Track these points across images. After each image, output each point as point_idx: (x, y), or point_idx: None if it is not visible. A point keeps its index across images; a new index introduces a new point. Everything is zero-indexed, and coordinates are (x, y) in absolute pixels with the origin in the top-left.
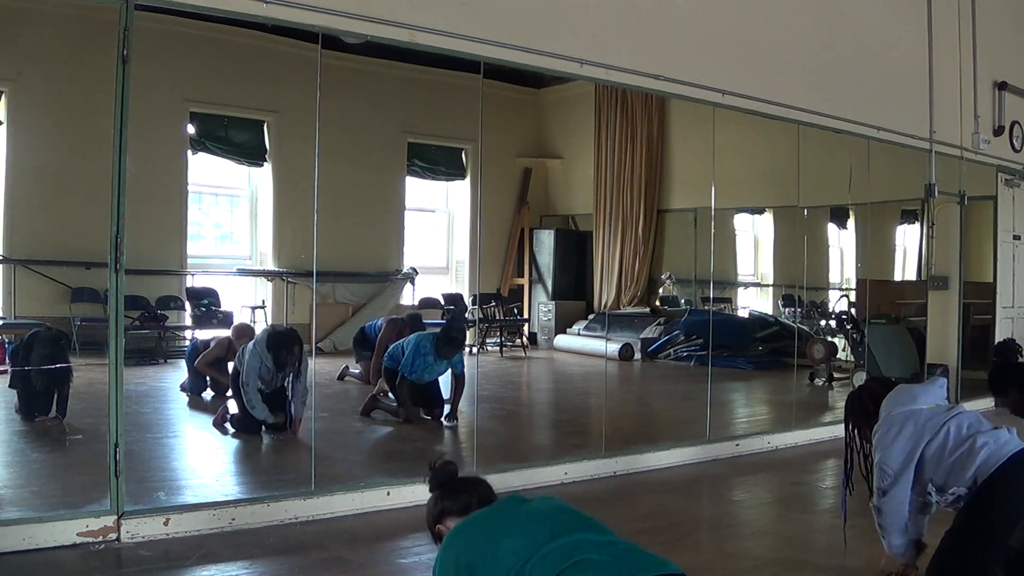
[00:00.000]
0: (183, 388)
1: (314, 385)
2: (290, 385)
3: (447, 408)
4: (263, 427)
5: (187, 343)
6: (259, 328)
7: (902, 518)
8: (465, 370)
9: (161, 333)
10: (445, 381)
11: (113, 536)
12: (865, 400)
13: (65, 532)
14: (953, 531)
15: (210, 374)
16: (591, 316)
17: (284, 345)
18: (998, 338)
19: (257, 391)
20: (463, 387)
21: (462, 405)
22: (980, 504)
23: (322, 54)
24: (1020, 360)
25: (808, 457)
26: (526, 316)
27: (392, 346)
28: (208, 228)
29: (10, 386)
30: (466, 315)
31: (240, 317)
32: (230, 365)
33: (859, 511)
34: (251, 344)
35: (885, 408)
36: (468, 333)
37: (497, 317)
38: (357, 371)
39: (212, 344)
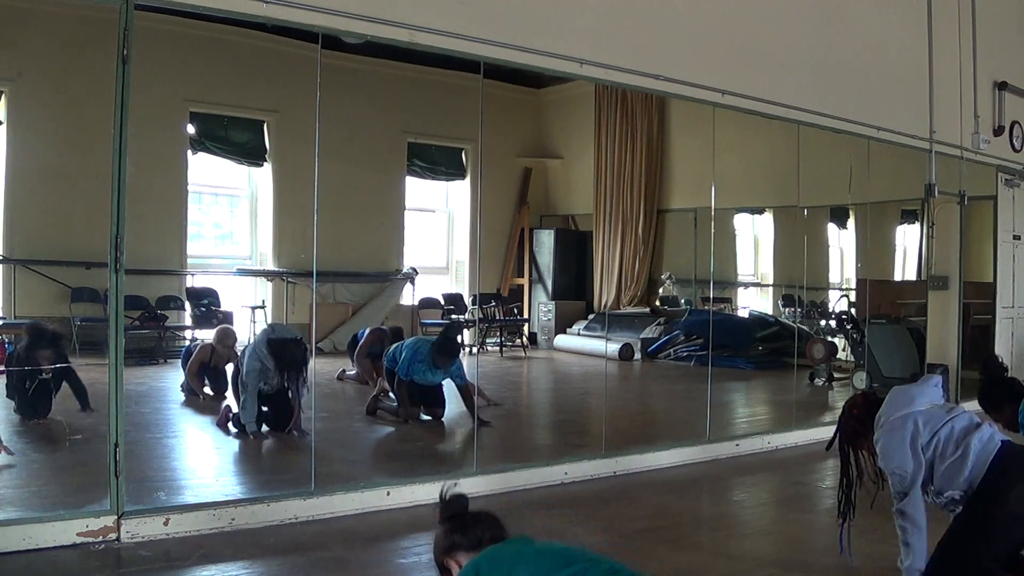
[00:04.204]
0: (184, 388)
1: (314, 385)
2: (289, 387)
3: (441, 412)
4: (263, 426)
5: (187, 343)
6: (248, 325)
7: (924, 519)
8: (466, 377)
9: (161, 333)
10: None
11: (113, 536)
12: (853, 416)
13: (65, 532)
14: (952, 531)
15: (193, 384)
16: (591, 316)
17: (285, 348)
18: (998, 338)
19: (255, 394)
20: (470, 396)
21: (459, 406)
22: (976, 504)
23: (322, 54)
24: (1007, 375)
25: (808, 457)
26: (526, 316)
27: (392, 347)
28: (208, 228)
29: (8, 396)
30: (465, 316)
31: (240, 317)
32: (228, 367)
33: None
34: (250, 346)
35: (885, 413)
36: (467, 334)
37: (497, 317)
38: (353, 372)
39: (196, 351)
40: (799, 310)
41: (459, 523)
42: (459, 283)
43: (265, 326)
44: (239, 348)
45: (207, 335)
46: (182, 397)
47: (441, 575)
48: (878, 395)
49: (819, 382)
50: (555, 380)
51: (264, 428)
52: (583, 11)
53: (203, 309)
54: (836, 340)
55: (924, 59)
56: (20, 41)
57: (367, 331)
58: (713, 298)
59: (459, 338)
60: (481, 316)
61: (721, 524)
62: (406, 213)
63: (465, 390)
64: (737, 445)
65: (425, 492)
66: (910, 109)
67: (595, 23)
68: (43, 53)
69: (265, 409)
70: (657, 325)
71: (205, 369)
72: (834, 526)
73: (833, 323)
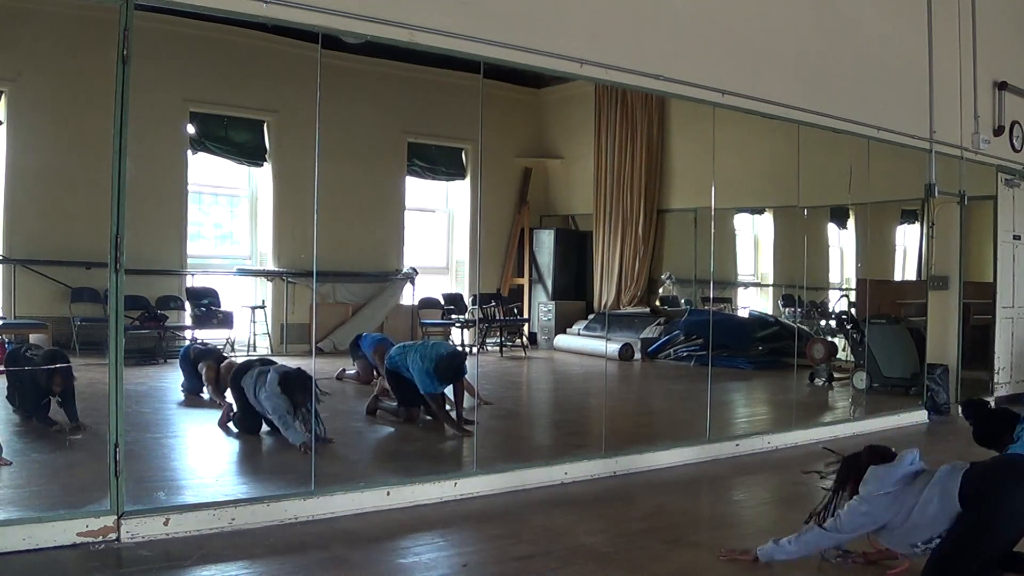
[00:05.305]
0: (183, 388)
1: (315, 385)
2: (305, 423)
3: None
4: (262, 427)
5: (187, 343)
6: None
7: (807, 552)
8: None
9: (161, 333)
10: None
11: (113, 536)
12: (856, 461)
13: (65, 532)
14: (947, 539)
15: (216, 396)
16: (591, 316)
17: (298, 387)
18: (998, 338)
19: (288, 414)
20: (464, 389)
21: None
22: (964, 514)
23: (322, 54)
24: (991, 408)
25: (808, 457)
26: (526, 316)
27: (394, 349)
28: (208, 228)
29: (7, 398)
30: (465, 316)
31: (240, 317)
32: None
33: None
34: (264, 387)
35: (865, 482)
36: (467, 334)
37: (497, 317)
38: (353, 371)
39: (206, 369)
40: (799, 310)
41: None
42: (459, 283)
43: (272, 370)
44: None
45: (207, 335)
46: (182, 397)
47: None
48: (884, 449)
49: (819, 382)
50: (555, 380)
51: (265, 428)
52: (583, 11)
53: (203, 309)
54: (836, 340)
55: (924, 59)
56: (20, 41)
57: (375, 345)
58: (713, 298)
59: (466, 360)
60: (481, 316)
61: (721, 524)
62: (406, 213)
63: (460, 388)
64: (737, 445)
65: (425, 492)
66: (910, 109)
67: (595, 23)
68: (43, 53)
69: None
70: (657, 325)
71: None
72: None
73: (833, 323)
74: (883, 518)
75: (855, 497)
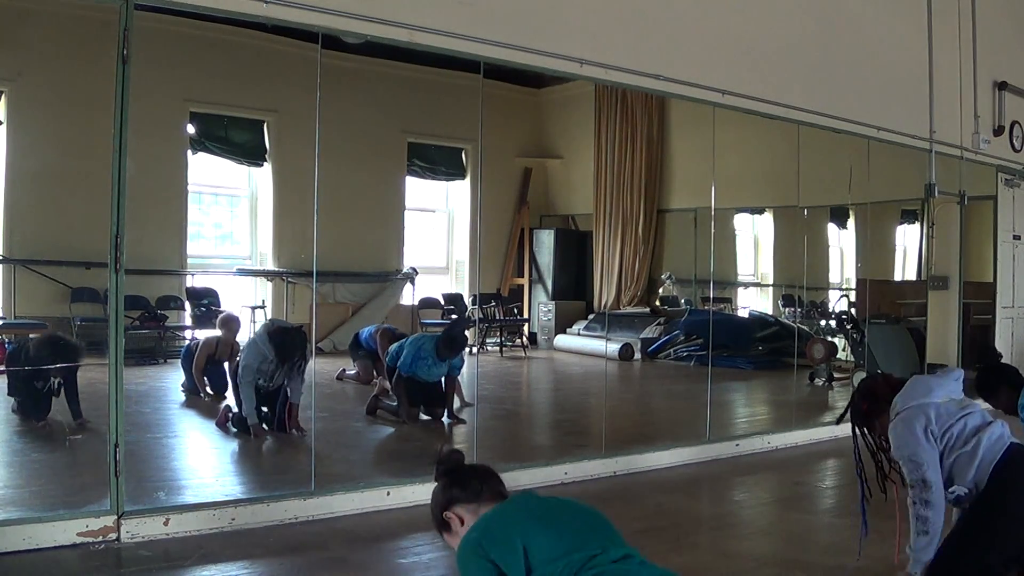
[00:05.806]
0: (184, 388)
1: (314, 385)
2: (288, 384)
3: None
4: (263, 425)
5: (187, 343)
6: (248, 325)
7: (938, 523)
8: (461, 370)
9: (161, 333)
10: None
11: (113, 536)
12: (862, 398)
13: (65, 532)
14: (956, 532)
15: (198, 380)
16: (591, 316)
17: (286, 338)
18: (998, 338)
19: (251, 386)
20: (454, 389)
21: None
22: (982, 505)
23: (322, 54)
24: (1002, 361)
25: (808, 457)
26: (526, 316)
27: (393, 346)
28: (208, 228)
29: (9, 394)
30: (467, 315)
31: (240, 317)
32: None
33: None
34: (251, 340)
35: (901, 401)
36: (469, 334)
37: (497, 317)
38: (353, 372)
39: (200, 347)
40: (799, 310)
41: (456, 477)
42: (459, 283)
43: (266, 321)
44: (241, 341)
45: (207, 335)
46: (182, 397)
47: (440, 531)
48: (896, 378)
49: (819, 382)
50: (555, 380)
51: (263, 426)
52: (583, 11)
53: (203, 309)
54: (836, 340)
55: (924, 59)
56: (20, 41)
57: (372, 330)
58: (713, 298)
59: (466, 332)
60: (481, 316)
61: (721, 524)
62: (406, 213)
63: (453, 381)
64: (737, 445)
65: (425, 492)
66: (910, 109)
67: (595, 23)
68: (43, 53)
69: (264, 410)
70: (657, 325)
71: (210, 363)
72: (834, 525)
73: (833, 323)
74: (936, 428)
75: (896, 419)
